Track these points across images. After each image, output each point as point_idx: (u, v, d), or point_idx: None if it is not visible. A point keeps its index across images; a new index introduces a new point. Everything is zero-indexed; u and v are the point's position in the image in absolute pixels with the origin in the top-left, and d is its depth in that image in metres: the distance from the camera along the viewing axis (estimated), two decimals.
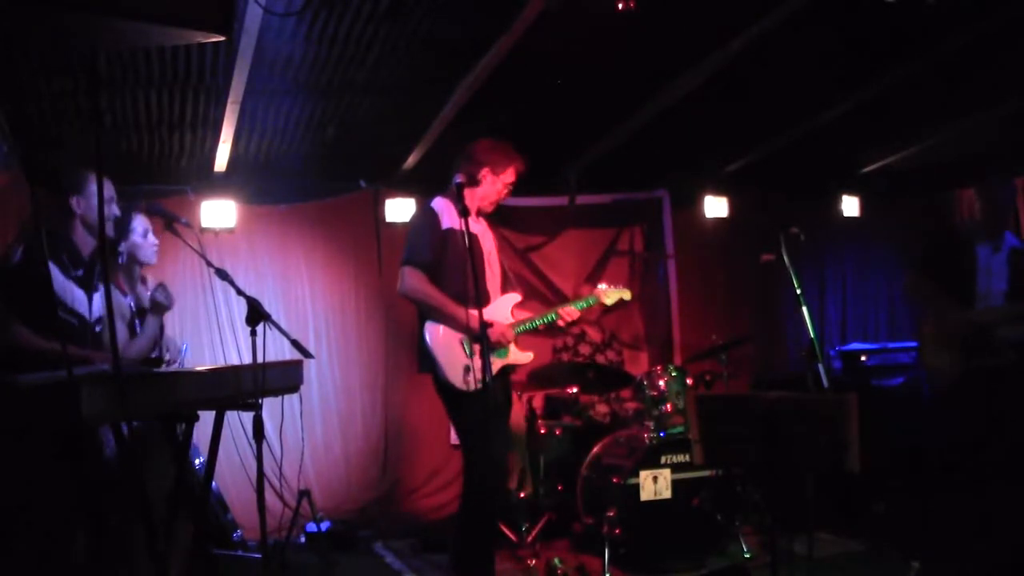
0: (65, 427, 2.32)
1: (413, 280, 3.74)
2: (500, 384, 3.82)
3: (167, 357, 4.12)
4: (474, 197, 3.85)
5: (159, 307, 3.71)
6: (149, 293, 3.95)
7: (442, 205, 3.84)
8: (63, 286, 3.22)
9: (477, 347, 3.64)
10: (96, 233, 3.30)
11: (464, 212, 3.40)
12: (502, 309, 3.92)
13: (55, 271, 3.19)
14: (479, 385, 3.59)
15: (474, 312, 3.48)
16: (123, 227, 3.81)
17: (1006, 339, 4.36)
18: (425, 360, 3.77)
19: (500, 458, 3.70)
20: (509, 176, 3.89)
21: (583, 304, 4.16)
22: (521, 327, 3.89)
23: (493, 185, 3.88)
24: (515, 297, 4.01)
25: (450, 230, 3.77)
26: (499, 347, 3.78)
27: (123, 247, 3.84)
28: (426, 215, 3.85)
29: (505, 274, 4.04)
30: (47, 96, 4.28)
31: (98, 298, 3.35)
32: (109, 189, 3.43)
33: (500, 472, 3.66)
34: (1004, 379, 4.37)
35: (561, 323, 4.07)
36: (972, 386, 4.44)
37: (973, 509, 4.39)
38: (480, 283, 3.76)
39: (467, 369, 3.68)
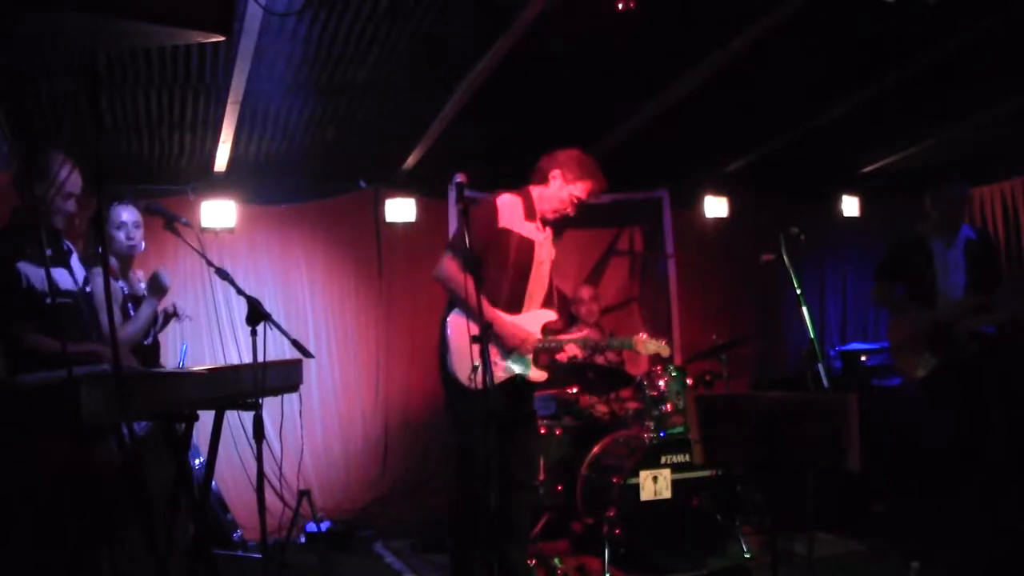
0: (65, 427, 2.32)
1: (449, 267, 3.70)
2: (511, 393, 3.75)
3: (181, 313, 4.11)
4: (541, 199, 3.82)
5: (159, 287, 3.71)
6: (141, 284, 3.97)
7: (508, 203, 3.77)
8: (40, 277, 3.18)
9: (493, 349, 3.60)
10: (56, 216, 3.23)
11: (464, 212, 3.35)
12: (534, 322, 3.84)
13: (30, 269, 3.13)
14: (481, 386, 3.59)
15: (497, 313, 3.55)
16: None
17: (967, 332, 4.40)
18: (441, 346, 3.76)
19: (488, 460, 3.62)
20: (579, 189, 3.79)
21: (617, 344, 4.08)
22: (542, 346, 3.81)
23: (560, 191, 3.79)
24: (549, 314, 3.92)
25: (505, 230, 3.72)
26: (518, 354, 3.72)
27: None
28: (485, 208, 3.76)
29: (551, 290, 3.95)
30: (47, 96, 4.28)
31: (75, 262, 3.32)
32: (74, 182, 3.34)
33: (486, 473, 3.59)
34: (971, 372, 4.41)
35: (564, 357, 3.93)
36: (943, 383, 4.47)
37: (971, 507, 4.40)
38: (522, 288, 3.77)
39: (476, 368, 3.60)
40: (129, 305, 3.84)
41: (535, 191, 3.83)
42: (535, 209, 3.82)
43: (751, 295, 6.61)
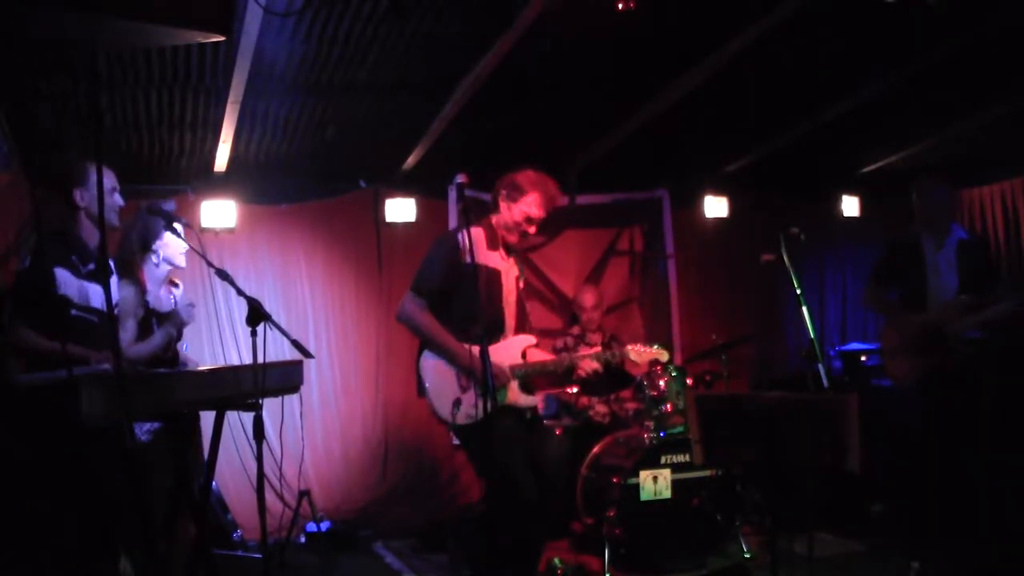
0: (65, 427, 2.32)
1: (411, 308, 3.70)
2: (511, 415, 3.70)
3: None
4: (499, 225, 3.79)
5: (177, 321, 3.71)
6: (173, 298, 3.94)
7: (472, 236, 3.66)
8: (78, 287, 3.21)
9: (473, 383, 3.60)
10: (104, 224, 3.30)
11: (466, 211, 3.37)
12: (511, 349, 3.77)
13: (67, 275, 3.19)
14: (467, 420, 3.59)
15: (466, 347, 3.52)
16: (154, 231, 3.80)
17: (958, 336, 4.38)
18: (420, 387, 3.75)
19: (517, 479, 3.58)
20: (526, 205, 3.72)
21: (605, 359, 3.94)
22: (522, 371, 3.74)
23: (508, 213, 3.74)
24: (528, 339, 3.88)
25: (473, 265, 3.63)
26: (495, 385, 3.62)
27: (157, 246, 3.83)
28: (446, 244, 3.74)
29: (523, 315, 3.90)
30: (47, 96, 4.28)
31: (112, 284, 3.35)
32: (111, 179, 3.43)
33: (517, 496, 3.55)
34: (964, 375, 4.39)
35: (582, 372, 3.88)
36: (935, 387, 4.45)
37: (971, 507, 4.40)
38: (498, 318, 3.74)
39: (456, 403, 3.61)
40: (154, 321, 3.81)
41: (495, 219, 3.81)
42: (497, 237, 3.80)
43: (751, 295, 6.61)
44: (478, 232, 3.74)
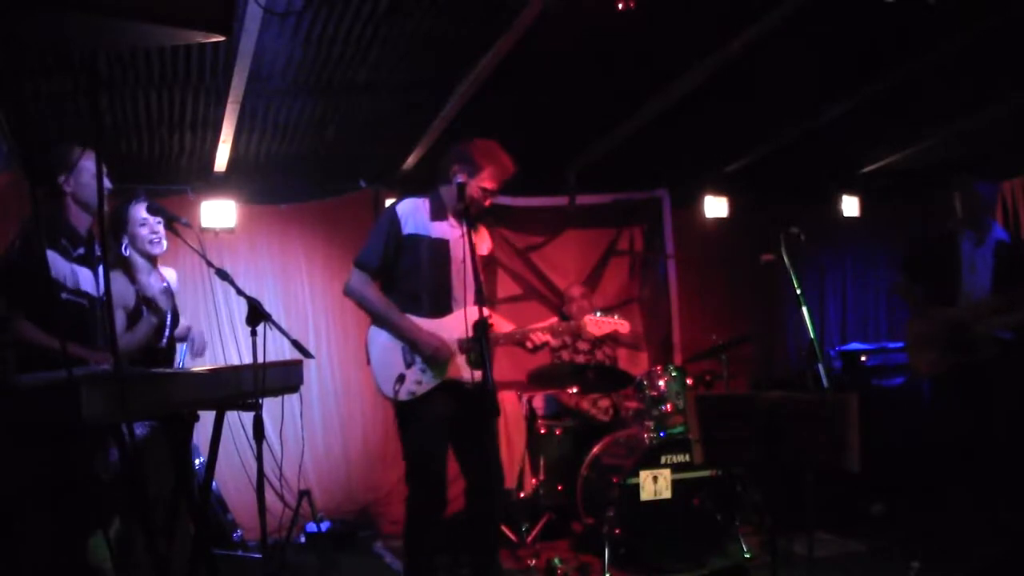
0: (65, 428, 2.32)
1: (355, 282, 3.67)
2: (462, 398, 3.63)
3: (194, 348, 4.12)
4: (450, 197, 3.68)
5: (154, 308, 3.71)
6: (166, 285, 3.94)
7: (411, 208, 3.67)
8: (67, 270, 3.22)
9: (417, 357, 3.59)
10: (90, 209, 3.29)
11: (461, 213, 3.34)
12: (461, 322, 3.56)
13: (56, 258, 3.18)
14: (408, 396, 3.58)
15: (418, 320, 3.56)
16: (121, 218, 3.79)
17: (987, 334, 4.37)
18: (367, 357, 3.71)
19: (434, 470, 3.60)
20: (484, 179, 3.63)
21: (562, 331, 3.88)
22: (467, 344, 3.61)
23: (469, 187, 3.61)
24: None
25: (412, 235, 3.62)
26: (435, 363, 3.59)
27: (124, 238, 3.82)
28: (386, 219, 3.70)
29: (480, 286, 3.68)
30: (47, 96, 4.28)
31: (101, 270, 3.35)
32: (94, 162, 3.41)
33: (432, 485, 3.58)
34: (986, 374, 4.38)
35: (529, 344, 3.79)
36: (955, 383, 4.45)
37: (971, 507, 4.41)
38: (444, 290, 3.66)
39: (400, 378, 3.58)
40: (144, 309, 3.80)
41: (443, 190, 3.72)
42: (445, 207, 3.70)
43: (751, 295, 6.60)
44: (416, 204, 3.69)
